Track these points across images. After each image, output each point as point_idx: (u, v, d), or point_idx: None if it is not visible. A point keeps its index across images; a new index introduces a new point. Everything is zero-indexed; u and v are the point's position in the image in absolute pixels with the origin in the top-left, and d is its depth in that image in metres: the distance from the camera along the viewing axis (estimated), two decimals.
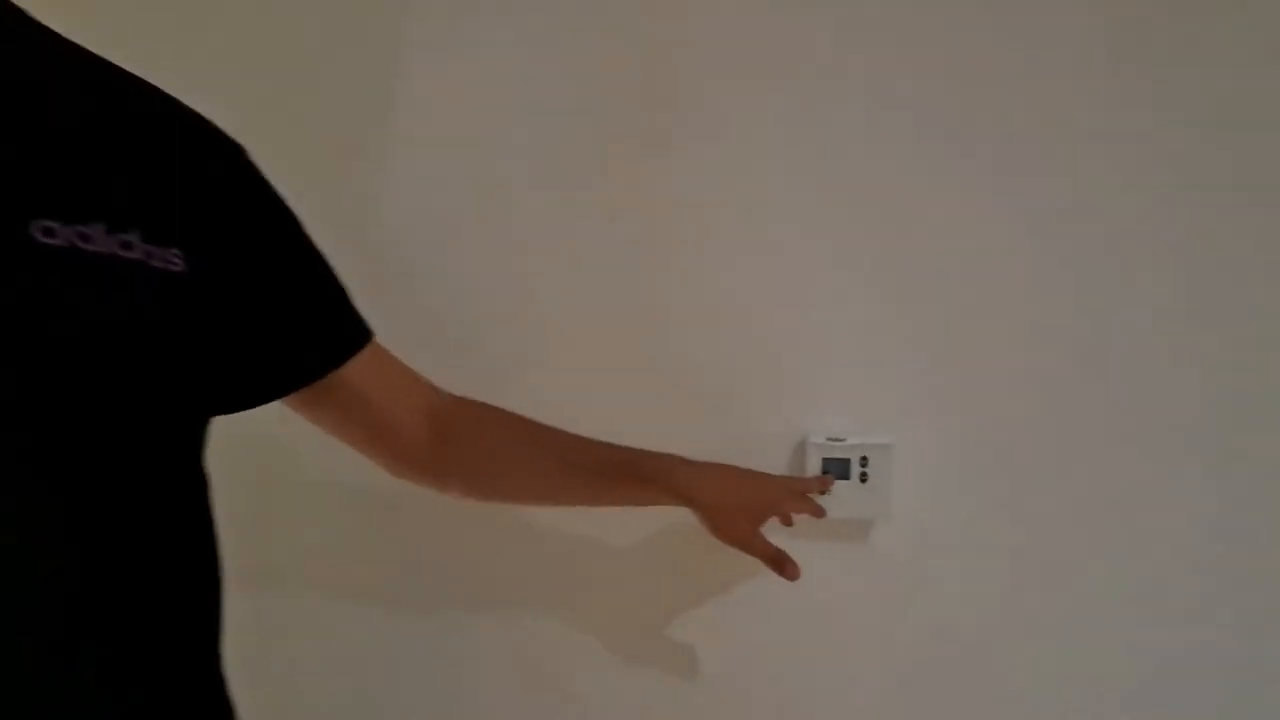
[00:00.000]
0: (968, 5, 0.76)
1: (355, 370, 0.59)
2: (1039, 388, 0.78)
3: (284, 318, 0.55)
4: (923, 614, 0.80)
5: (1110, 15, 0.75)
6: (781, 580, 0.69)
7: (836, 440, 0.77)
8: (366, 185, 0.78)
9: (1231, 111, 0.76)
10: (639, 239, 0.79)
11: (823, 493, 0.74)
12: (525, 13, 0.77)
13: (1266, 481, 0.78)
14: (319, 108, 0.78)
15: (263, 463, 0.77)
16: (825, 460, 0.76)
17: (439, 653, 0.82)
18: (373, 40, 0.78)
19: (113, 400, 0.44)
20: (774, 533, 0.71)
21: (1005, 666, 0.80)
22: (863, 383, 0.79)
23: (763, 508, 0.71)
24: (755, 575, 0.74)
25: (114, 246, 0.43)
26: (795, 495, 0.72)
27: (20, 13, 0.46)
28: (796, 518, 0.72)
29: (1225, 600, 0.79)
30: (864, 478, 0.76)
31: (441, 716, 0.83)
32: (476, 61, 0.78)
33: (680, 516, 0.70)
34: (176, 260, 0.46)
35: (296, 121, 0.77)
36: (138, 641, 0.46)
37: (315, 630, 0.81)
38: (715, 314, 0.79)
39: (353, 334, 0.60)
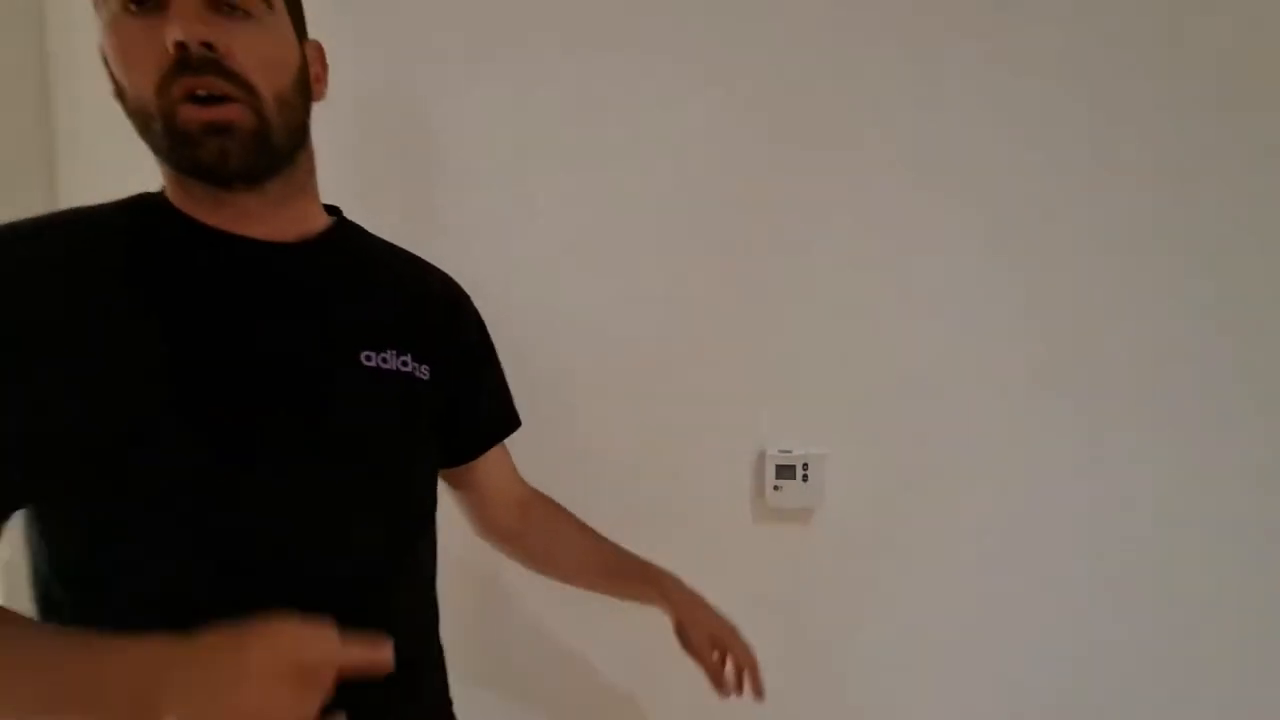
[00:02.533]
0: None
1: (492, 454, 0.89)
2: (945, 409, 1.07)
3: (477, 407, 0.85)
4: (850, 569, 1.10)
5: None
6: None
7: (786, 452, 1.09)
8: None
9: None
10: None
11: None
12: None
13: (1204, 491, 1.06)
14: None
15: None
16: (778, 467, 1.08)
17: None
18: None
19: (409, 454, 0.74)
20: (741, 522, 1.05)
21: (919, 609, 1.11)
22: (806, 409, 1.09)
23: (717, 633, 0.88)
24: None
25: (398, 364, 0.72)
26: (733, 639, 0.89)
27: (363, 230, 0.80)
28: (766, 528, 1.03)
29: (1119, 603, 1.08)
30: (806, 478, 1.08)
31: None
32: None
33: None
34: (425, 372, 0.75)
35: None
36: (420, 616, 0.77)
37: None
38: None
39: (509, 421, 0.91)
